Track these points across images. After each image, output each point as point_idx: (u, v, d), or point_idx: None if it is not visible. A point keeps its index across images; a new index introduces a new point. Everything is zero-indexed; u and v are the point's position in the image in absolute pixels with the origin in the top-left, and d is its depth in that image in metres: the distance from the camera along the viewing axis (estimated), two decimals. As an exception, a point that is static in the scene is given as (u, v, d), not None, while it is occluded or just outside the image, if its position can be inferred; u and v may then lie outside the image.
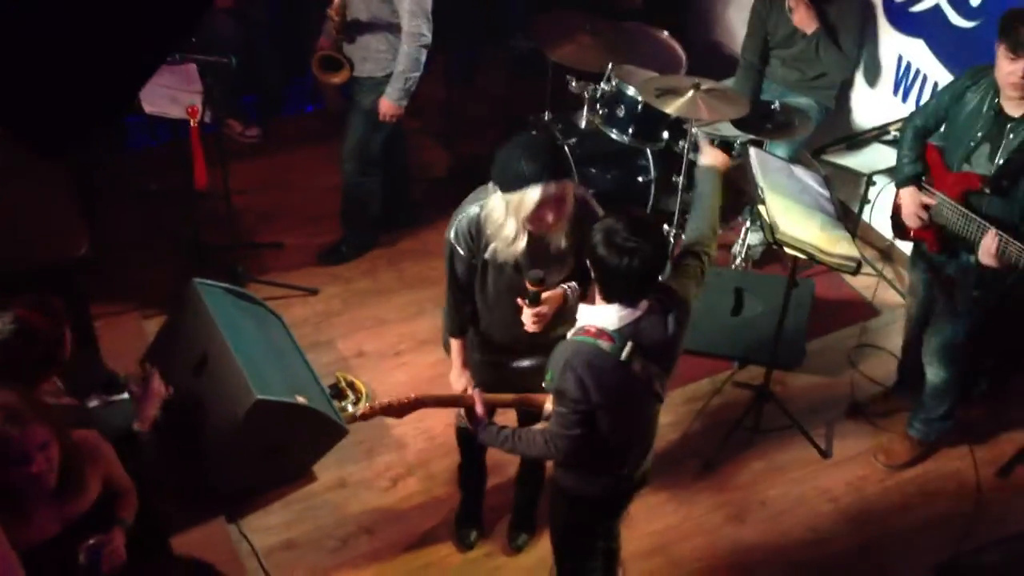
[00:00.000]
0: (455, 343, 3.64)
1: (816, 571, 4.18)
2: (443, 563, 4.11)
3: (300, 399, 4.13)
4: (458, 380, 3.69)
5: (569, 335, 3.02)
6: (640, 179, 5.42)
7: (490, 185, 3.24)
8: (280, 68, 6.35)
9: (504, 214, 3.17)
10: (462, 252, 3.35)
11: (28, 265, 3.95)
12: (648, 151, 5.36)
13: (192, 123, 4.68)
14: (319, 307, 5.24)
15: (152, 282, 5.22)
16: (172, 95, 4.72)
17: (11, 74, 1.49)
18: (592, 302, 3.01)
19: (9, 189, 4.37)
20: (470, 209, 3.32)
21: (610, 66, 5.28)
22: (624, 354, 2.87)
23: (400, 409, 3.22)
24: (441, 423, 4.47)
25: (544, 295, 3.25)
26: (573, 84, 5.39)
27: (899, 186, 4.16)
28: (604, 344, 2.86)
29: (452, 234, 3.35)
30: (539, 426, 3.22)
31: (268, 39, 6.19)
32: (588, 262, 2.90)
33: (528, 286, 3.20)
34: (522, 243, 3.21)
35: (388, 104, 4.88)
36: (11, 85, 1.50)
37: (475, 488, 4.15)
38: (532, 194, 3.06)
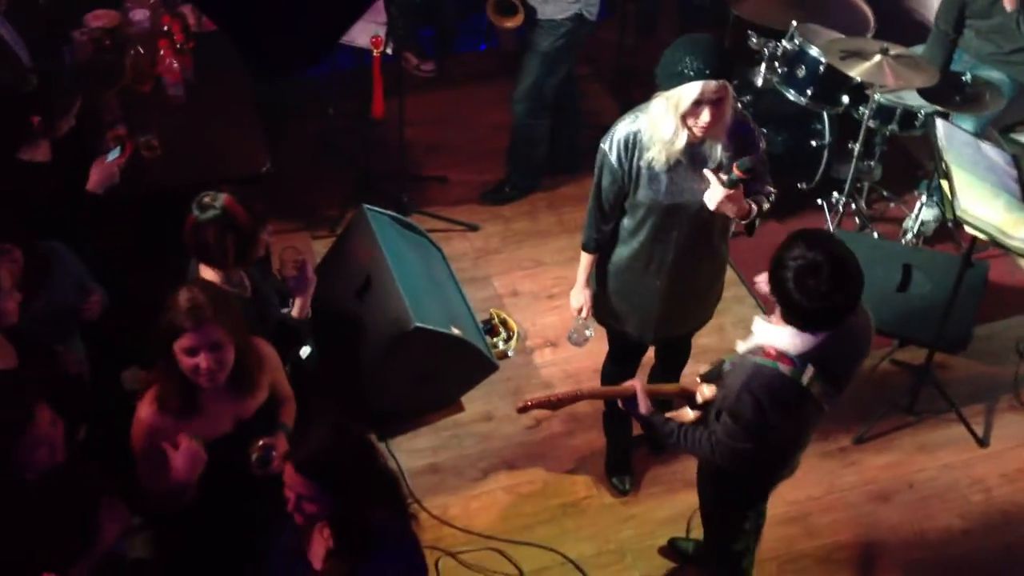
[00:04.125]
0: (586, 258, 3.67)
1: (957, 562, 4.06)
2: (580, 504, 4.18)
3: (456, 331, 4.23)
4: (577, 297, 3.73)
5: (742, 348, 2.95)
6: (813, 143, 5.29)
7: (647, 104, 3.28)
8: (457, 4, 6.41)
9: (664, 112, 3.17)
10: (613, 162, 3.35)
11: (215, 178, 4.13)
12: (825, 115, 5.21)
13: (375, 53, 4.79)
14: (478, 243, 5.34)
15: (322, 204, 5.42)
16: (359, 24, 4.82)
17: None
18: (769, 310, 2.93)
19: (201, 105, 4.60)
20: (628, 123, 3.35)
21: (794, 24, 5.13)
22: (805, 379, 2.79)
23: (559, 402, 3.21)
24: (588, 369, 4.51)
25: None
26: (753, 40, 5.27)
27: None
28: (784, 368, 2.78)
29: (607, 143, 3.37)
30: (691, 415, 3.20)
31: (448, -26, 6.25)
32: (772, 284, 2.77)
33: (734, 169, 3.16)
34: (681, 141, 3.19)
35: None
36: (246, 9, 1.57)
37: (622, 436, 4.19)
38: (691, 89, 3.07)
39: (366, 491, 2.63)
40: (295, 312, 3.48)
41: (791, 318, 2.78)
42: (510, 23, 4.95)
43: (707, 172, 3.22)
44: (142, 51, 4.60)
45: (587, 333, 3.86)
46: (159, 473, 2.98)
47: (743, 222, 3.39)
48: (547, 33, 4.96)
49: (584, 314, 3.76)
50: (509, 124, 5.42)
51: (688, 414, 3.23)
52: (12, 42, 4.28)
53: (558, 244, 5.32)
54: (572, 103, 5.55)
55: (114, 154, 3.97)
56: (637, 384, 3.14)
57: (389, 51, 4.86)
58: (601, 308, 3.76)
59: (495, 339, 4.77)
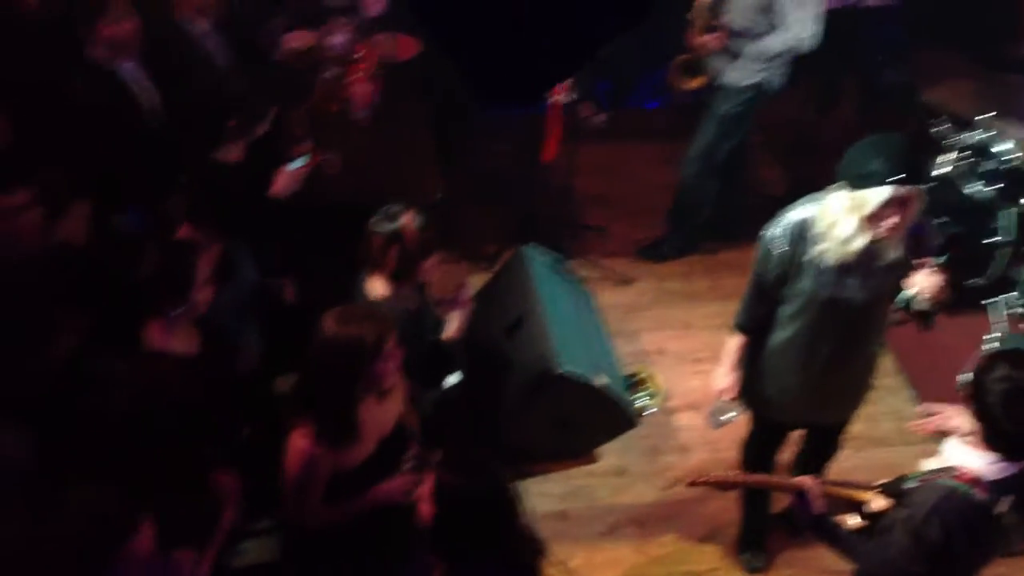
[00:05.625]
0: (736, 340, 3.56)
1: None
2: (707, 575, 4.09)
3: (600, 381, 4.21)
4: (722, 379, 3.61)
5: (929, 466, 2.81)
6: (985, 240, 5.09)
7: (827, 190, 3.18)
8: (637, 60, 6.46)
9: (843, 212, 3.08)
10: (780, 249, 3.26)
11: (389, 201, 4.24)
12: (1011, 212, 5.02)
13: (557, 98, 4.86)
14: (629, 297, 5.33)
15: (481, 238, 5.51)
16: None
17: (483, 31, 1.61)
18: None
19: (383, 131, 4.74)
20: (800, 210, 3.26)
21: (986, 116, 4.98)
22: (1000, 509, 2.63)
23: (728, 484, 3.15)
24: (728, 439, 4.38)
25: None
26: (939, 128, 5.13)
27: None
28: (978, 495, 2.63)
29: (775, 231, 3.28)
30: (854, 522, 3.04)
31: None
32: (975, 409, 2.63)
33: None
34: (859, 243, 3.10)
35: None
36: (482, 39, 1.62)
37: (760, 512, 4.07)
38: (879, 194, 2.98)
39: (487, 540, 2.62)
40: (448, 334, 3.54)
41: (996, 445, 2.62)
42: (693, 84, 4.96)
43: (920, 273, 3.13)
44: (335, 73, 4.78)
45: (729, 415, 3.73)
46: (306, 501, 3.04)
47: (929, 310, 3.26)
48: (728, 98, 4.95)
49: (728, 396, 3.66)
50: (675, 183, 5.41)
51: (850, 521, 3.11)
52: (216, 52, 4.53)
53: (710, 309, 5.25)
54: (741, 170, 5.51)
55: (298, 163, 4.13)
56: (810, 481, 2.97)
57: (568, 98, 4.93)
58: (748, 391, 3.66)
59: (637, 395, 4.72)
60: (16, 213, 3.05)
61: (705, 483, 3.05)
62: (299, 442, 2.96)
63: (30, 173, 3.16)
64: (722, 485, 3.08)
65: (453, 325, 3.61)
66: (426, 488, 2.60)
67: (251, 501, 3.07)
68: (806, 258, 3.24)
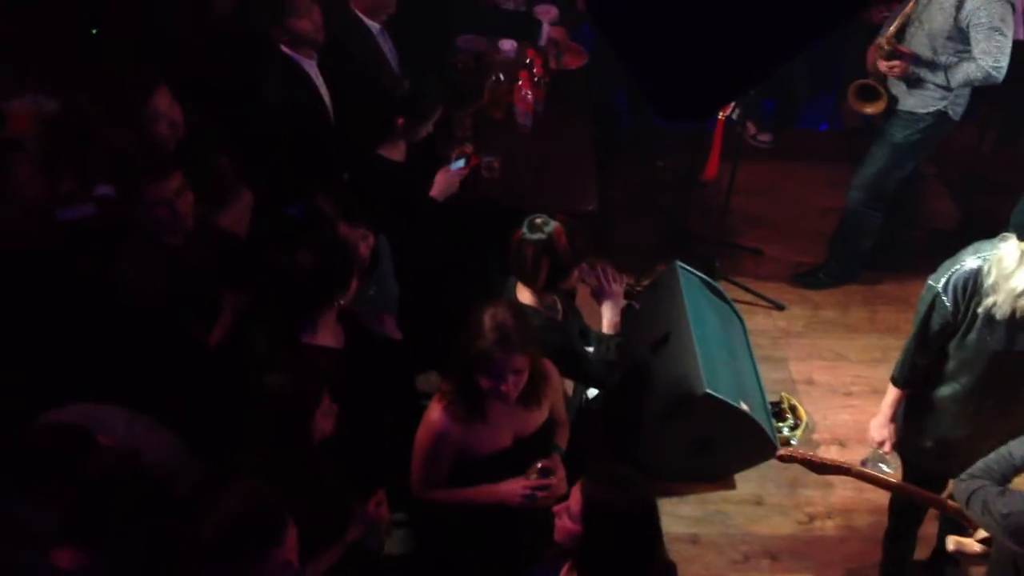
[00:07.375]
0: (894, 392, 3.45)
1: None
2: (840, 617, 3.95)
3: (744, 406, 4.12)
4: (879, 431, 3.51)
5: None
6: None
7: (997, 239, 3.05)
8: (808, 81, 6.31)
9: (1016, 264, 2.95)
10: (947, 304, 3.13)
11: (544, 209, 4.27)
12: None
13: (720, 116, 4.80)
14: (781, 323, 5.20)
15: (633, 252, 5.46)
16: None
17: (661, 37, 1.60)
18: None
19: (544, 138, 4.79)
20: (969, 261, 3.10)
21: None
22: None
23: (823, 468, 3.12)
24: (875, 479, 4.26)
25: None
26: None
27: None
28: None
29: (941, 283, 3.14)
30: (978, 547, 3.06)
31: (803, 51, 6.15)
32: None
33: None
34: None
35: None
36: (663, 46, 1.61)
37: (902, 558, 3.91)
38: None
39: (626, 555, 2.59)
40: (605, 328, 3.51)
41: None
42: (870, 109, 4.79)
43: None
44: (502, 78, 4.85)
45: (883, 468, 3.60)
46: (430, 476, 3.09)
47: None
48: (904, 125, 4.76)
49: (886, 448, 3.55)
50: (838, 208, 5.25)
51: (976, 545, 3.05)
52: (388, 53, 4.65)
53: (866, 342, 5.08)
54: (910, 200, 5.30)
55: (458, 164, 4.20)
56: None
57: (734, 116, 4.86)
58: (905, 442, 3.54)
59: (781, 424, 4.61)
60: (176, 196, 3.15)
61: (797, 459, 3.08)
62: (432, 412, 3.05)
63: (189, 160, 3.27)
64: (814, 465, 3.08)
65: (607, 317, 3.58)
66: (574, 504, 2.56)
67: (388, 493, 3.13)
68: (976, 311, 3.10)
